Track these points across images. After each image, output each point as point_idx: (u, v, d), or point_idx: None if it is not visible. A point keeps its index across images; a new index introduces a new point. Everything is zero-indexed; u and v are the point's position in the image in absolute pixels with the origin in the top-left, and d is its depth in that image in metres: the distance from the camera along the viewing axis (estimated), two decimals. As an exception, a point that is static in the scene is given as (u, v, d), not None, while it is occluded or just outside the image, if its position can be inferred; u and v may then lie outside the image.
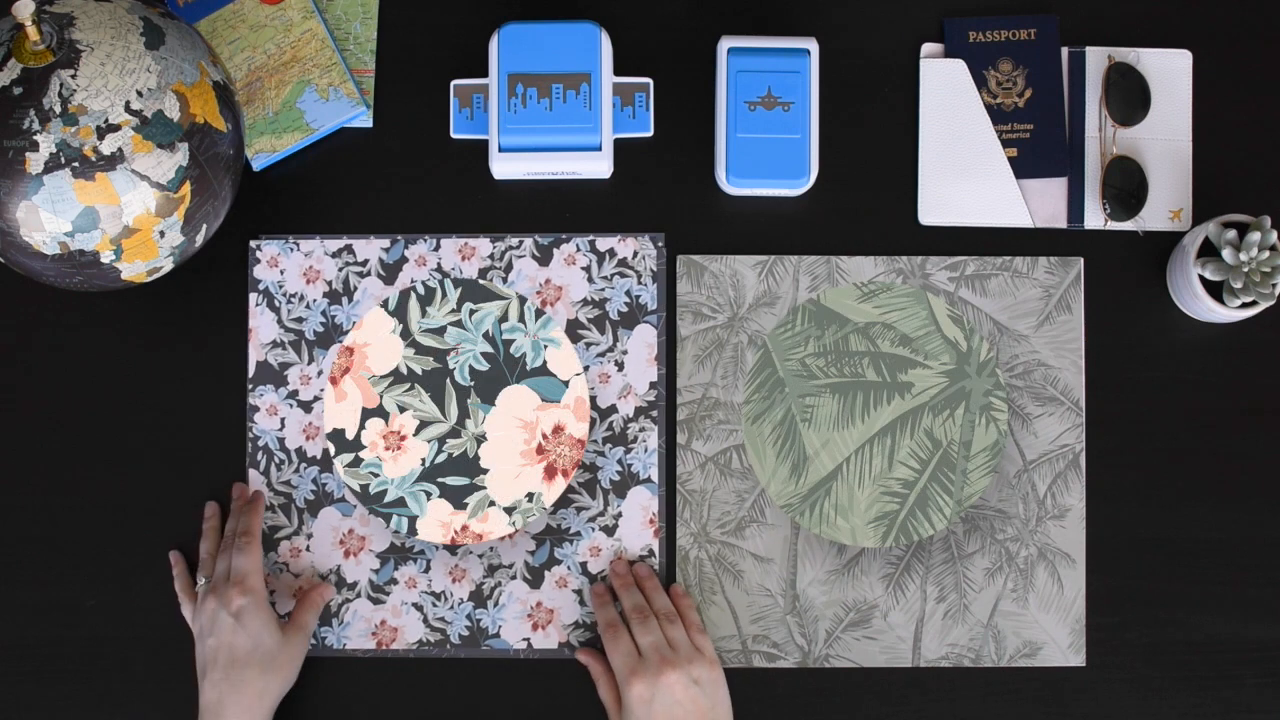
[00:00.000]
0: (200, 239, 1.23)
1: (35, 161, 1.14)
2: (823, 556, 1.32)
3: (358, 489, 1.32)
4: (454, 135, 1.34)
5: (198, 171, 1.19)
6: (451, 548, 1.32)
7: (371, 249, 1.34)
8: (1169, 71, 1.35)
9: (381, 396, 1.33)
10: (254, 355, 1.33)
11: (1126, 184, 1.34)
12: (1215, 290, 1.29)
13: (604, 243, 1.34)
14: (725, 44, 1.32)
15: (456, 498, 1.32)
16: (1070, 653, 1.31)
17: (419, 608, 1.31)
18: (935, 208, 1.34)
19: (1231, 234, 1.26)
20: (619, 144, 1.35)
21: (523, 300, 1.34)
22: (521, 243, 1.34)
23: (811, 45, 1.31)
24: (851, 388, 1.33)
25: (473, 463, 1.32)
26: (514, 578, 1.32)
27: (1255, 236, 1.25)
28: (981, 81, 1.35)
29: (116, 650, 1.31)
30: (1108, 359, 1.33)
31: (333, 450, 1.33)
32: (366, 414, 1.33)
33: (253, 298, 1.34)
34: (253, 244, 1.34)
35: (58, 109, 1.14)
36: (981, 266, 1.34)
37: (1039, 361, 1.33)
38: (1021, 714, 1.31)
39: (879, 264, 1.34)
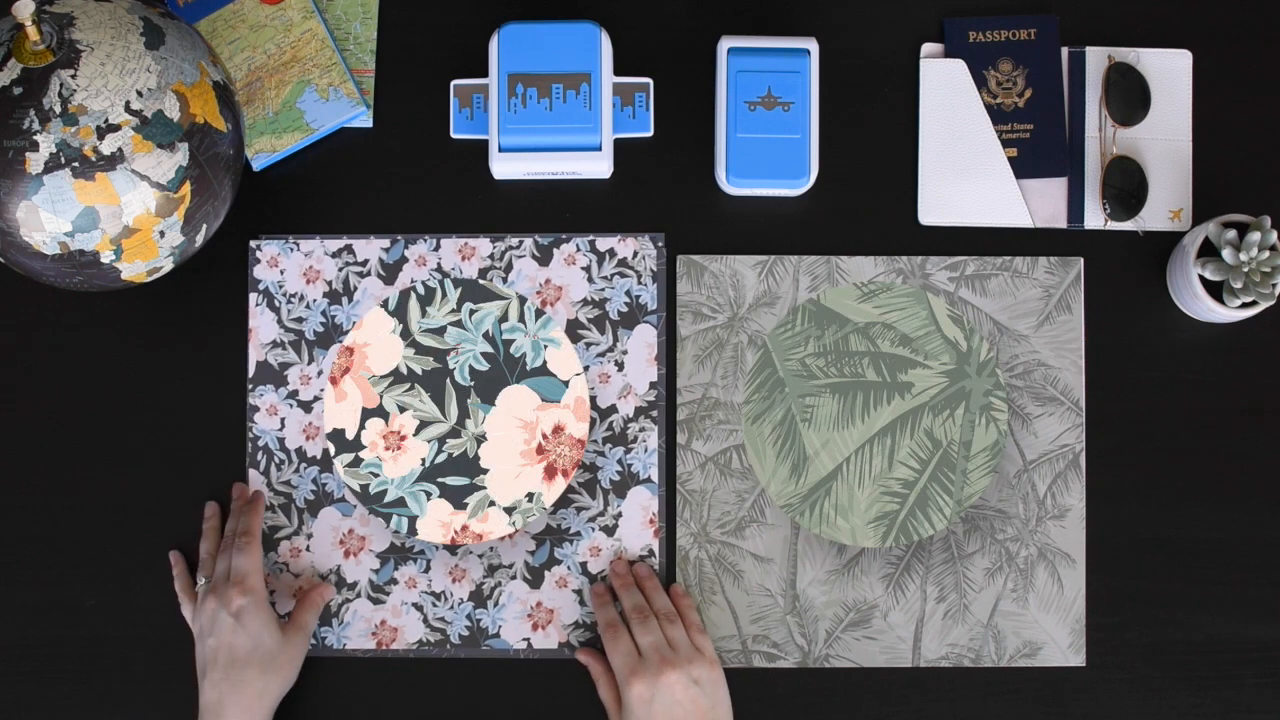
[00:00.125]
0: (200, 239, 1.23)
1: (35, 161, 1.14)
2: (823, 556, 1.32)
3: (358, 489, 1.32)
4: (454, 135, 1.34)
5: (198, 171, 1.19)
6: (451, 548, 1.32)
7: (371, 249, 1.34)
8: (1169, 71, 1.35)
9: (381, 396, 1.33)
10: (254, 355, 1.33)
11: (1126, 184, 1.34)
12: (1215, 290, 1.29)
13: (604, 243, 1.34)
14: (725, 44, 1.32)
15: (456, 498, 1.32)
16: (1070, 653, 1.31)
17: (419, 608, 1.31)
18: (935, 208, 1.34)
19: (1231, 234, 1.26)
20: (619, 144, 1.35)
21: (523, 300, 1.34)
22: (521, 243, 1.34)
23: (811, 45, 1.31)
24: (851, 388, 1.33)
25: (473, 463, 1.32)
26: (514, 578, 1.32)
27: (1255, 236, 1.25)
28: (981, 81, 1.35)
29: (116, 650, 1.31)
30: (1108, 359, 1.33)
31: (333, 450, 1.33)
32: (366, 414, 1.33)
33: (253, 298, 1.34)
34: (253, 244, 1.34)
35: (58, 109, 1.14)
36: (981, 266, 1.34)
37: (1039, 361, 1.33)
38: (1021, 714, 1.31)
39: (879, 264, 1.34)
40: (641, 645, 1.25)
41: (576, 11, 1.36)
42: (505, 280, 1.34)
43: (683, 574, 1.32)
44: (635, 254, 1.34)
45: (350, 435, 1.33)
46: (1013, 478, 1.32)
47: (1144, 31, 1.36)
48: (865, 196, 1.35)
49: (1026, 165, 1.34)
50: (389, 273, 1.34)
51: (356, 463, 1.32)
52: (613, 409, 1.33)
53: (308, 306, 1.33)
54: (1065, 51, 1.35)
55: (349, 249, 1.34)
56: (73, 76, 1.15)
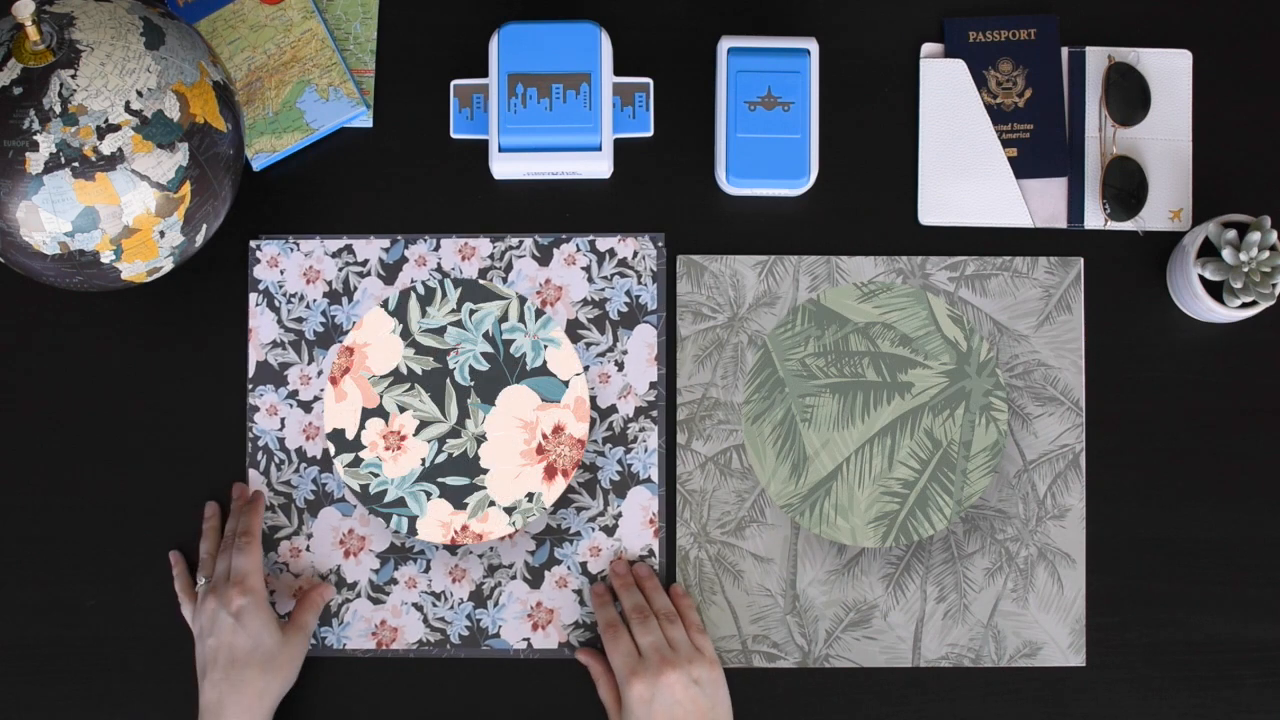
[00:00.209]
0: (200, 239, 1.23)
1: (35, 161, 1.14)
2: (823, 556, 1.32)
3: (358, 489, 1.32)
4: (454, 135, 1.34)
5: (198, 171, 1.19)
6: (451, 548, 1.32)
7: (371, 249, 1.34)
8: (1169, 71, 1.35)
9: (381, 396, 1.33)
10: (254, 355, 1.33)
11: (1126, 184, 1.34)
12: (1215, 290, 1.29)
13: (604, 243, 1.34)
14: (725, 44, 1.32)
15: (456, 498, 1.32)
16: (1070, 653, 1.31)
17: (419, 608, 1.31)
18: (935, 208, 1.34)
19: (1231, 234, 1.26)
20: (619, 144, 1.35)
21: (523, 300, 1.34)
22: (521, 243, 1.34)
23: (811, 45, 1.31)
24: (851, 388, 1.33)
25: (473, 463, 1.32)
26: (514, 578, 1.32)
27: (1255, 236, 1.25)
28: (981, 81, 1.35)
29: (116, 650, 1.31)
30: (1108, 359, 1.33)
31: (333, 450, 1.33)
32: (366, 414, 1.33)
33: (253, 298, 1.34)
34: (253, 244, 1.34)
35: (58, 109, 1.14)
36: (981, 266, 1.34)
37: (1039, 361, 1.33)
38: (1021, 714, 1.31)
39: (879, 264, 1.34)
40: (641, 645, 1.25)
41: (576, 11, 1.36)
42: (505, 280, 1.34)
43: (683, 574, 1.32)
44: (635, 254, 1.34)
45: (350, 435, 1.33)
46: (1013, 478, 1.32)
47: (1144, 31, 1.36)
48: (865, 196, 1.35)
49: (1026, 165, 1.34)
50: (389, 273, 1.34)
51: (356, 463, 1.32)
52: (613, 409, 1.33)
53: (308, 306, 1.33)
54: (1065, 51, 1.35)
55: (349, 249, 1.34)
56: (73, 76, 1.14)
